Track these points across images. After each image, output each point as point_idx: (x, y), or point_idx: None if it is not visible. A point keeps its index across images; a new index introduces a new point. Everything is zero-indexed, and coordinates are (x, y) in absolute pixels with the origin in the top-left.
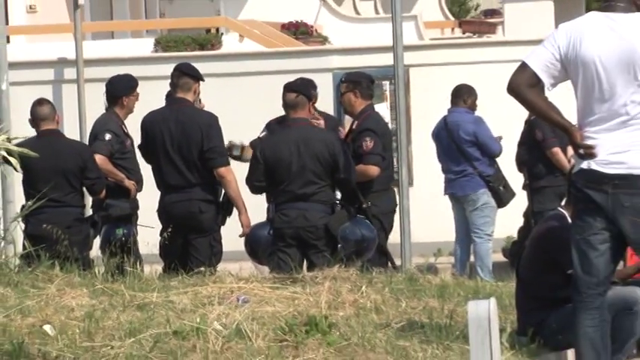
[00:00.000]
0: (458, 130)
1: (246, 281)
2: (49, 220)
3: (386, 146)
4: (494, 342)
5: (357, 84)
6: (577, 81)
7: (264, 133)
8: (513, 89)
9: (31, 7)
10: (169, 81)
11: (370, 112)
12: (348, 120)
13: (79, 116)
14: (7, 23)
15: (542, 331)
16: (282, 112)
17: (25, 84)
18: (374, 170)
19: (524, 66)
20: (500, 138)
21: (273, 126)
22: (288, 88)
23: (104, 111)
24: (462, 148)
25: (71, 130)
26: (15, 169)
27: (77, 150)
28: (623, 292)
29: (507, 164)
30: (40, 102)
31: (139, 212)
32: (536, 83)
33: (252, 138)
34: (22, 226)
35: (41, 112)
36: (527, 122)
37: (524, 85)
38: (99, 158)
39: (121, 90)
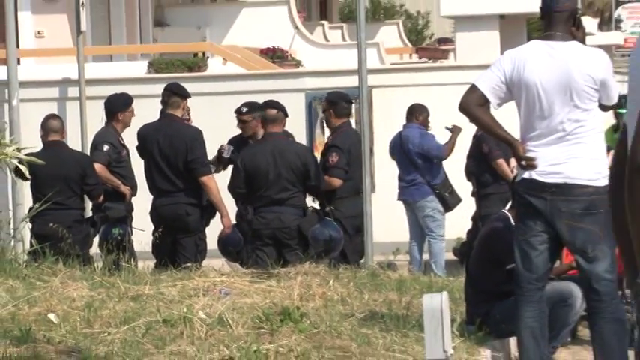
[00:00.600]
0: (408, 143)
1: (228, 276)
2: (53, 221)
3: (352, 160)
4: (446, 330)
5: (333, 104)
6: (520, 101)
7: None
8: (464, 108)
9: (39, 33)
10: (161, 99)
11: (344, 129)
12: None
13: (81, 130)
14: (18, 47)
15: (488, 321)
16: None
17: (34, 101)
18: (337, 182)
19: (473, 87)
20: (457, 128)
21: (234, 142)
22: (270, 105)
23: (103, 125)
24: (412, 159)
25: (74, 142)
26: (25, 176)
27: (78, 159)
28: (559, 287)
29: (457, 173)
30: (52, 116)
31: (133, 214)
32: (484, 103)
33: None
34: (30, 225)
35: (52, 125)
36: (475, 137)
37: (473, 105)
38: (98, 167)
39: (117, 106)
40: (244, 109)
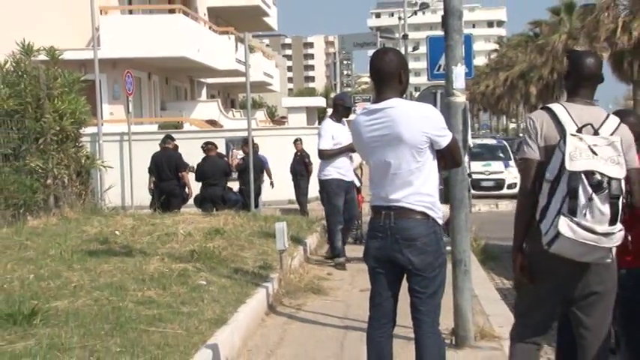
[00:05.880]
0: (264, 163)
1: (192, 215)
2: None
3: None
4: (285, 237)
5: (247, 142)
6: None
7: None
8: (321, 154)
9: (111, 113)
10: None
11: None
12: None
13: (129, 157)
14: (102, 118)
15: None
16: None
17: (108, 142)
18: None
19: (321, 148)
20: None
21: (202, 161)
22: (209, 143)
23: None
24: (264, 168)
25: (125, 164)
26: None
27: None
28: None
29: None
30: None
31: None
32: (329, 149)
33: (195, 164)
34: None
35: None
36: (300, 155)
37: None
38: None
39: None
40: (204, 145)
